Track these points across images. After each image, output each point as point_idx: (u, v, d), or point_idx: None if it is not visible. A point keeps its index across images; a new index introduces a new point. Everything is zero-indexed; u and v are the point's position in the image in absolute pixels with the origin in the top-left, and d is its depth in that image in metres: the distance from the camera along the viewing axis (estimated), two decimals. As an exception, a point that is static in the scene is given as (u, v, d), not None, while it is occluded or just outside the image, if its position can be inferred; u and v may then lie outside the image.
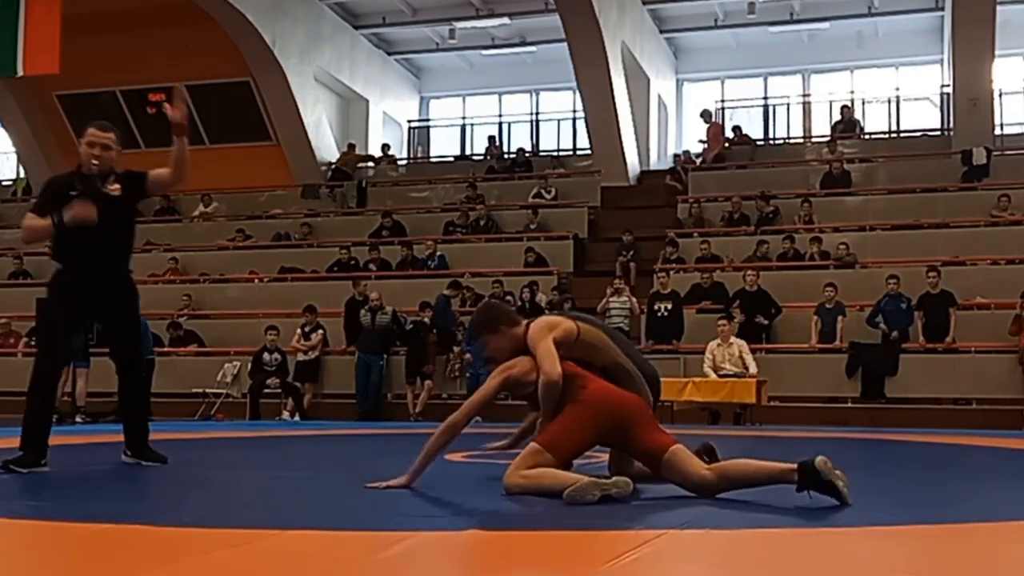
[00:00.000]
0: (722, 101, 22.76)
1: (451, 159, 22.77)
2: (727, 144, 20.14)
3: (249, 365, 14.40)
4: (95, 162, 5.42)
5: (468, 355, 13.79)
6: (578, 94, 19.59)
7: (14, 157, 23.99)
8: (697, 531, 3.51)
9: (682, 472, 4.26)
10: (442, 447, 4.53)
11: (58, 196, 5.45)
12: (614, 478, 4.10)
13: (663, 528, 3.47)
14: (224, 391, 14.59)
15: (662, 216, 17.86)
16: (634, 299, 14.34)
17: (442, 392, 14.28)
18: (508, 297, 15.07)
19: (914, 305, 13.37)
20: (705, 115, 20.65)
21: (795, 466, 4.01)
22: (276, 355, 14.24)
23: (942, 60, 21.20)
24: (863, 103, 21.39)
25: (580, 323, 4.77)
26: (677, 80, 23.37)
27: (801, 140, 21.41)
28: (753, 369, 12.62)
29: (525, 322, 4.73)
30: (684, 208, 17.96)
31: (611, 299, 14.12)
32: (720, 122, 20.84)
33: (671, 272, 15.13)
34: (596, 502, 3.93)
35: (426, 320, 14.33)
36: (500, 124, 23.69)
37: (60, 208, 5.31)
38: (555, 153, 22.36)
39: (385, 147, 22.25)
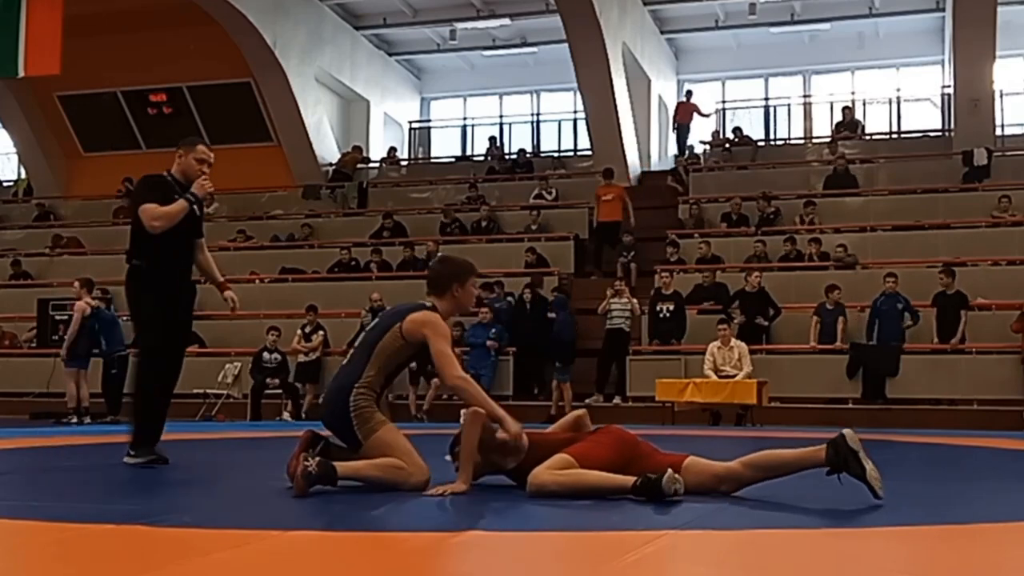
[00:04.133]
0: (723, 102, 22.77)
1: (452, 160, 22.76)
2: (727, 145, 20.15)
3: (250, 365, 14.41)
4: (205, 178, 5.81)
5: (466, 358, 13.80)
6: (579, 95, 19.58)
7: (15, 158, 23.98)
8: (698, 532, 3.50)
9: (708, 471, 4.31)
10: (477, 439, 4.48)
11: (163, 195, 5.73)
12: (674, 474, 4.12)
13: (664, 529, 3.47)
14: (225, 392, 14.59)
15: (663, 217, 17.86)
16: (634, 300, 14.33)
17: (443, 392, 14.29)
18: (508, 298, 15.08)
19: (912, 307, 13.32)
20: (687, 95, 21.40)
21: (821, 447, 4.10)
22: (276, 355, 14.25)
23: (943, 61, 21.20)
24: (864, 104, 21.38)
25: None
26: (678, 81, 23.36)
27: (802, 141, 21.39)
28: (745, 371, 12.60)
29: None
30: (685, 209, 17.96)
31: (612, 300, 14.12)
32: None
33: (672, 273, 15.11)
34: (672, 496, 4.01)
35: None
36: (501, 125, 23.69)
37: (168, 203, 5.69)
38: (556, 154, 22.36)
39: (392, 150, 22.23)
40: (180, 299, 5.93)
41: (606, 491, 4.15)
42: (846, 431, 4.11)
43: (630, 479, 4.12)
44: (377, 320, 4.84)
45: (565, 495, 4.12)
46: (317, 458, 4.37)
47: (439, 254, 5.14)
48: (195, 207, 5.81)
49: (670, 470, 4.06)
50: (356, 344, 4.84)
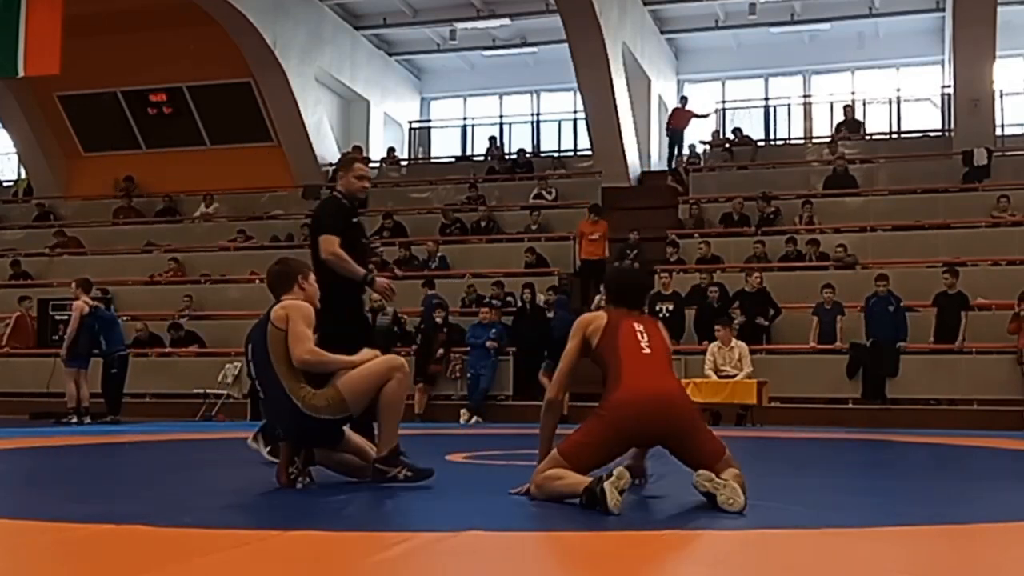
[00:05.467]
0: (723, 102, 22.77)
1: (452, 160, 22.74)
2: (727, 145, 20.15)
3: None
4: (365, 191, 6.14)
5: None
6: (579, 95, 19.57)
7: (15, 158, 23.97)
8: (698, 532, 3.51)
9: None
10: (553, 428, 4.46)
11: (345, 220, 5.87)
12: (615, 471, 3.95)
13: (664, 529, 3.47)
14: (225, 392, 14.59)
15: (663, 217, 17.85)
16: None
17: (444, 392, 14.29)
18: (508, 298, 15.08)
19: (902, 308, 13.27)
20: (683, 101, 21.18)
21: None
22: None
23: (943, 61, 21.19)
24: (864, 104, 21.38)
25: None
26: (678, 81, 23.36)
27: (802, 141, 21.39)
28: (745, 371, 12.59)
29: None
30: (685, 209, 17.95)
31: (602, 296, 14.11)
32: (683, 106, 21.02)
33: (672, 273, 15.10)
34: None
35: (437, 319, 14.32)
36: (501, 125, 23.67)
37: (343, 232, 5.77)
38: (556, 154, 22.33)
39: (391, 150, 22.22)
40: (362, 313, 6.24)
41: (568, 497, 4.04)
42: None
43: (585, 483, 3.94)
44: (250, 345, 4.87)
45: (550, 500, 4.12)
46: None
47: (281, 258, 5.26)
48: (364, 280, 5.80)
49: (615, 475, 3.82)
50: (254, 377, 4.89)
